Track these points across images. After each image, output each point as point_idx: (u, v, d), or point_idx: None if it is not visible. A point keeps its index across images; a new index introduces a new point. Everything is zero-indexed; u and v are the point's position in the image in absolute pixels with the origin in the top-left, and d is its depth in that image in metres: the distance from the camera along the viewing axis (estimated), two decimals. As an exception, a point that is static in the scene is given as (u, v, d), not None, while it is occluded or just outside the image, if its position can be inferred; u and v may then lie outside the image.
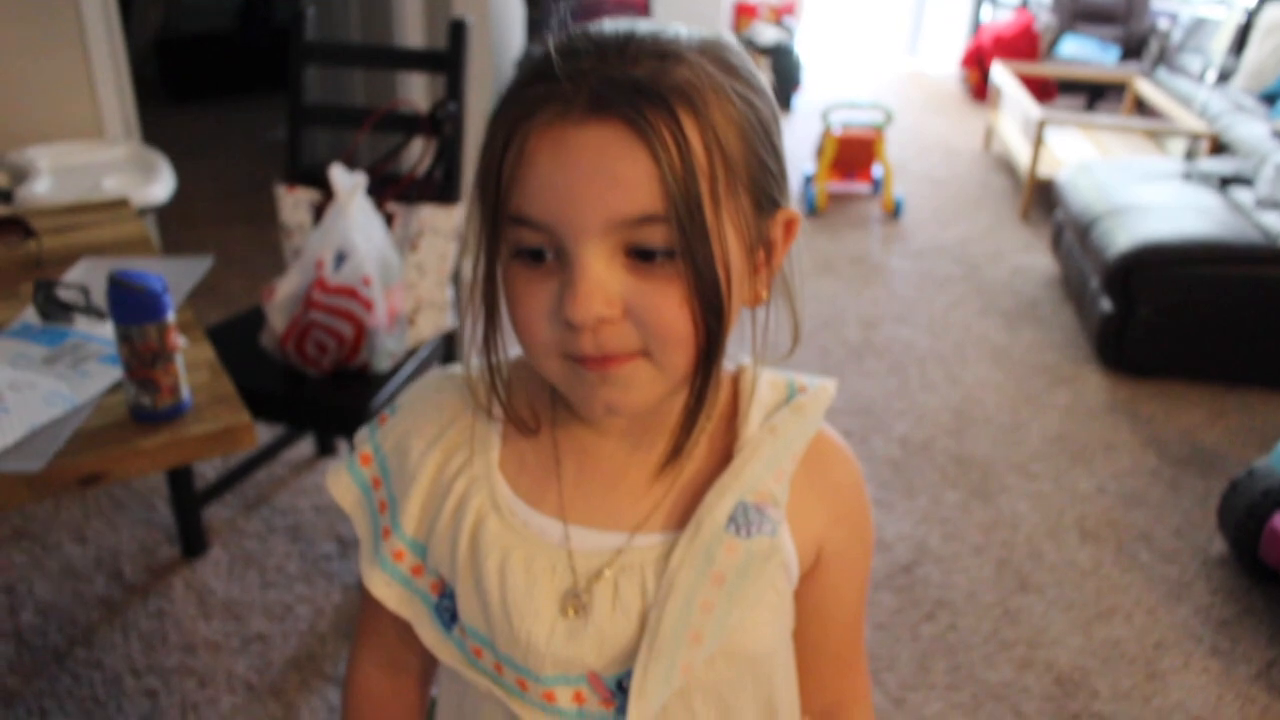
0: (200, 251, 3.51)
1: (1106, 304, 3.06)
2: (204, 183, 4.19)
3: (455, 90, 2.11)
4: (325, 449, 2.53)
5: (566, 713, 0.69)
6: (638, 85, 0.56)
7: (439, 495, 0.72)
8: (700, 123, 0.57)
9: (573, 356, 0.61)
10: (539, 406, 0.72)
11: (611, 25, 0.60)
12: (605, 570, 0.68)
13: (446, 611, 0.73)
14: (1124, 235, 3.02)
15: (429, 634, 0.74)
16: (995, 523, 2.41)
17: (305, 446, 2.53)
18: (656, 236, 0.58)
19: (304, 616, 2.02)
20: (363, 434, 0.77)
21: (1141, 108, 5.11)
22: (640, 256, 0.59)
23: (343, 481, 0.77)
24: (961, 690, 1.92)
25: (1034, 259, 3.93)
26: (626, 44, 0.58)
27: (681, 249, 0.58)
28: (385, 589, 0.74)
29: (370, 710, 0.84)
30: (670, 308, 0.59)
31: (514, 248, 0.61)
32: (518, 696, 0.70)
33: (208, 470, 2.41)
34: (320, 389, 1.90)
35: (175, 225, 3.53)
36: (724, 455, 0.71)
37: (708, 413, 0.68)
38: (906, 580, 2.20)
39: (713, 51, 0.60)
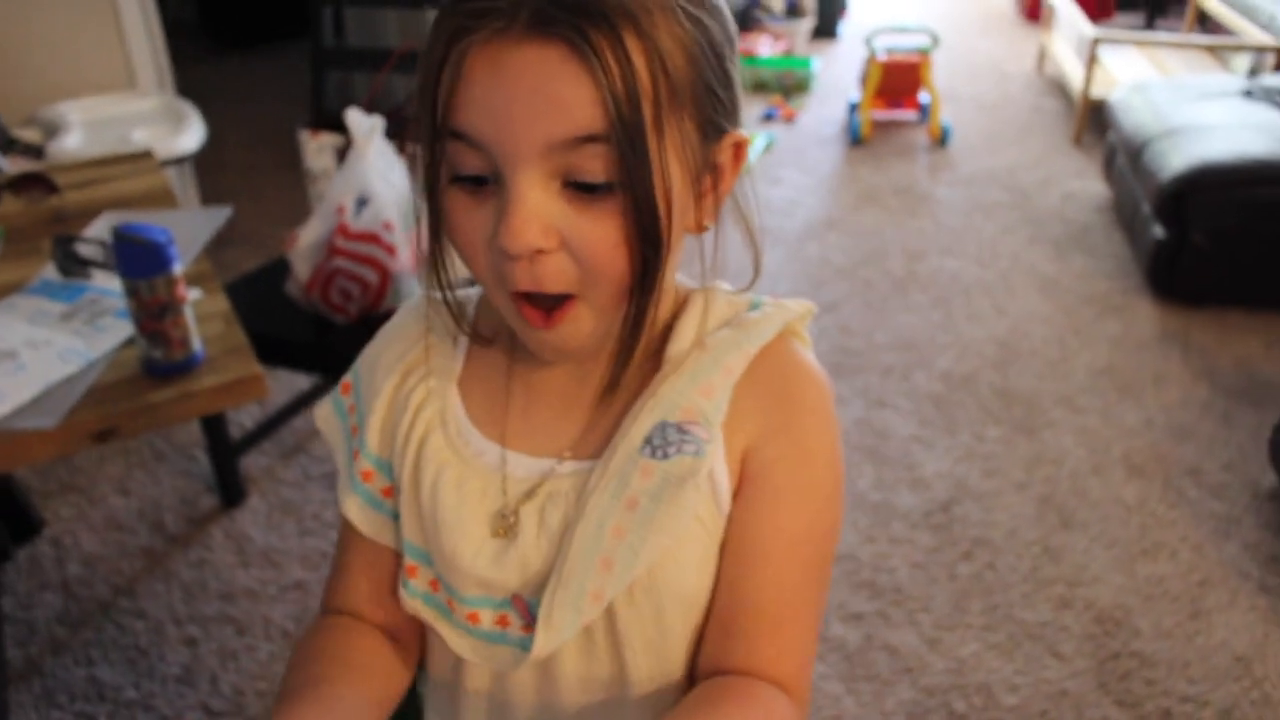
0: (233, 199, 3.53)
1: (1159, 230, 2.95)
2: (240, 129, 4.19)
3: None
4: (361, 395, 2.54)
5: (488, 634, 0.69)
6: (580, 3, 0.54)
7: (399, 408, 0.71)
8: (645, 44, 0.55)
9: (511, 292, 0.60)
10: (501, 328, 0.71)
11: None
12: (533, 496, 0.67)
13: None
14: (1178, 157, 2.90)
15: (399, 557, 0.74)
16: (1039, 458, 2.36)
17: (342, 393, 2.54)
18: (596, 164, 0.56)
19: (341, 562, 2.05)
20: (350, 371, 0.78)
21: (1205, 22, 4.89)
22: (580, 189, 0.57)
23: (324, 411, 0.78)
24: (998, 630, 1.90)
25: (1086, 185, 3.80)
26: None
27: (621, 177, 0.56)
28: (357, 512, 0.74)
29: (321, 641, 0.74)
30: (608, 242, 0.58)
31: (453, 171, 0.59)
32: (444, 617, 0.70)
33: (245, 419, 2.44)
34: (348, 336, 1.90)
35: (211, 173, 3.54)
36: (655, 374, 0.68)
37: (644, 342, 0.65)
38: (944, 519, 2.16)
39: None
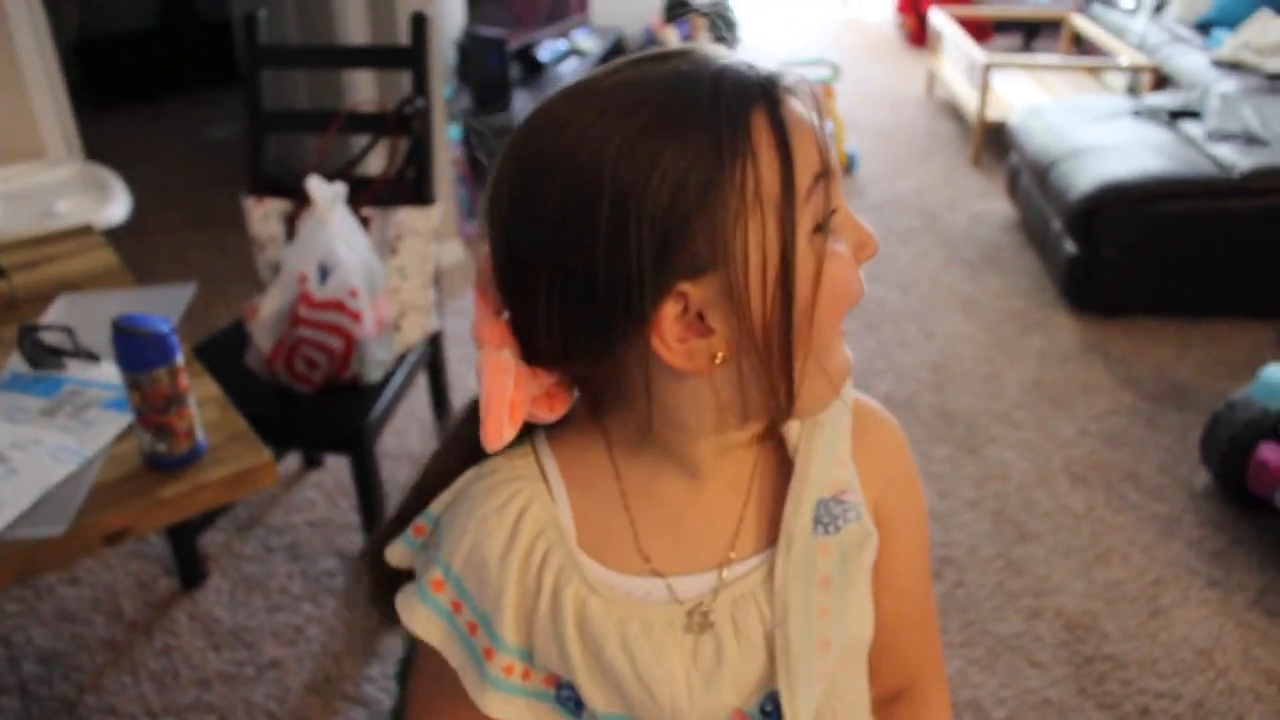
0: (158, 265, 3.43)
1: (1071, 246, 3.10)
2: (148, 192, 4.04)
3: (421, 85, 2.06)
4: (312, 462, 2.49)
5: None
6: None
7: (530, 596, 0.69)
8: None
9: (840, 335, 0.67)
10: (596, 467, 0.70)
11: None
12: (716, 603, 0.68)
13: (569, 700, 0.71)
14: (1083, 177, 3.05)
15: None
16: (986, 475, 2.45)
17: (291, 461, 2.49)
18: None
19: (315, 637, 2.00)
20: (422, 560, 0.72)
21: (1079, 44, 5.16)
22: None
23: (421, 614, 0.71)
24: (976, 645, 1.96)
25: (990, 204, 3.97)
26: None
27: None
28: (505, 707, 0.71)
29: None
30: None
31: (818, 216, 0.61)
32: None
33: (195, 493, 2.36)
34: (313, 406, 1.87)
35: (128, 241, 3.42)
36: (778, 461, 0.71)
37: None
38: (909, 541, 2.23)
39: None
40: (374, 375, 1.91)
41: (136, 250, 3.47)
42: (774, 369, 0.60)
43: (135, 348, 1.16)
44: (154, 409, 1.18)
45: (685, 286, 0.58)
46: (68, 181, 2.60)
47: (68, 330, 1.49)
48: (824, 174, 0.59)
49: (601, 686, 0.68)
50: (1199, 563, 2.16)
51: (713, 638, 0.68)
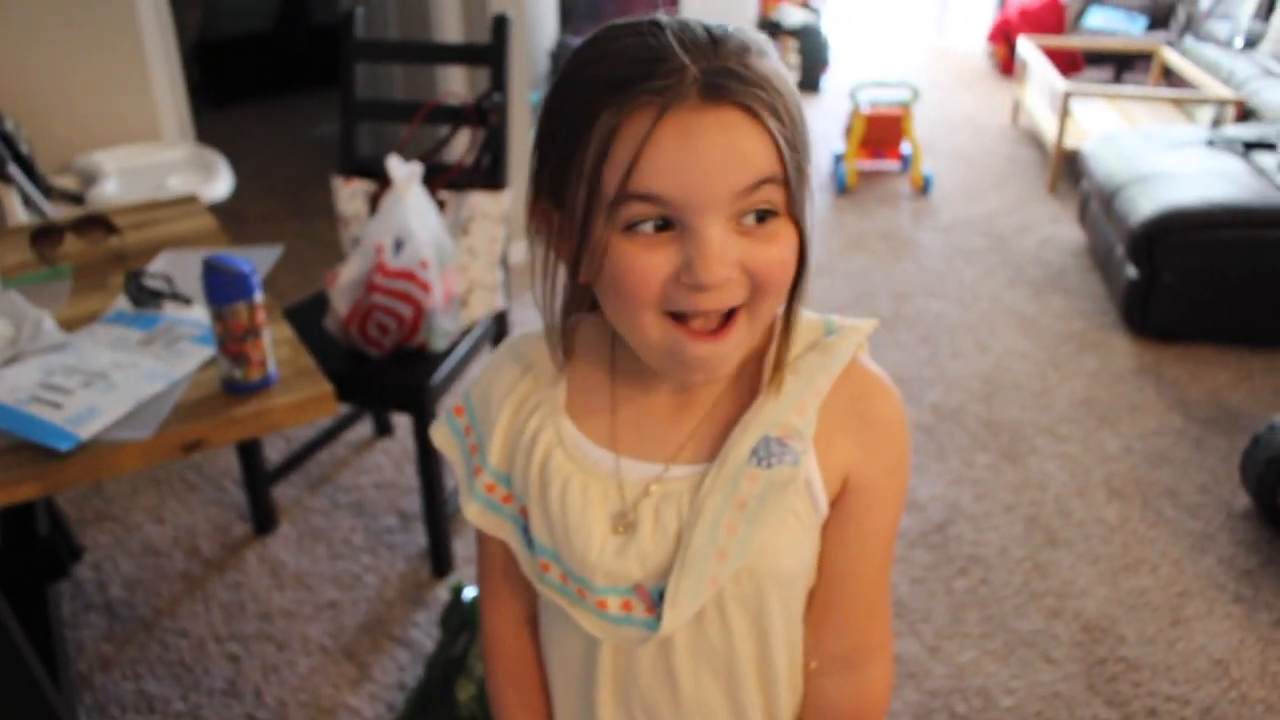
0: (253, 244, 3.66)
1: (1131, 270, 3.13)
2: (250, 181, 4.32)
3: (499, 82, 2.22)
4: (383, 430, 2.67)
5: (615, 618, 0.81)
6: (742, 75, 0.66)
7: (516, 431, 0.84)
8: (788, 102, 0.69)
9: (683, 315, 0.70)
10: (600, 356, 0.83)
11: (686, 22, 0.69)
12: (647, 495, 0.80)
13: (529, 532, 0.85)
14: (1147, 202, 3.09)
15: (519, 551, 0.86)
16: (1025, 483, 2.50)
17: (363, 428, 2.67)
18: (767, 198, 0.68)
19: (371, 585, 2.16)
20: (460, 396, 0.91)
21: (1169, 76, 5.14)
22: (754, 219, 0.69)
23: (441, 431, 0.90)
24: (994, 639, 2.03)
25: (1061, 230, 4.00)
26: (721, 40, 0.68)
27: (790, 207, 0.69)
28: (479, 516, 0.87)
29: (509, 664, 0.96)
30: (779, 260, 0.70)
31: (628, 221, 0.67)
32: (576, 603, 0.82)
33: (272, 453, 2.55)
34: (383, 368, 2.03)
35: (226, 222, 3.67)
36: (750, 391, 0.81)
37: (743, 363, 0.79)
38: (940, 538, 2.30)
39: (766, 45, 0.71)
40: (440, 344, 2.07)
41: (235, 232, 3.72)
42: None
43: (221, 283, 1.33)
44: (233, 338, 1.35)
45: (545, 202, 0.73)
46: (179, 161, 2.83)
47: (167, 278, 1.67)
48: (645, 197, 0.66)
49: (541, 520, 0.82)
50: (1227, 579, 2.19)
51: (632, 526, 0.80)
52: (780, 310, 0.77)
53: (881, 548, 0.83)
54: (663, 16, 0.71)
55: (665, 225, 0.67)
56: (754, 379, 0.81)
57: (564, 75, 0.72)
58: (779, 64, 0.70)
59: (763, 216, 0.69)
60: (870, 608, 0.84)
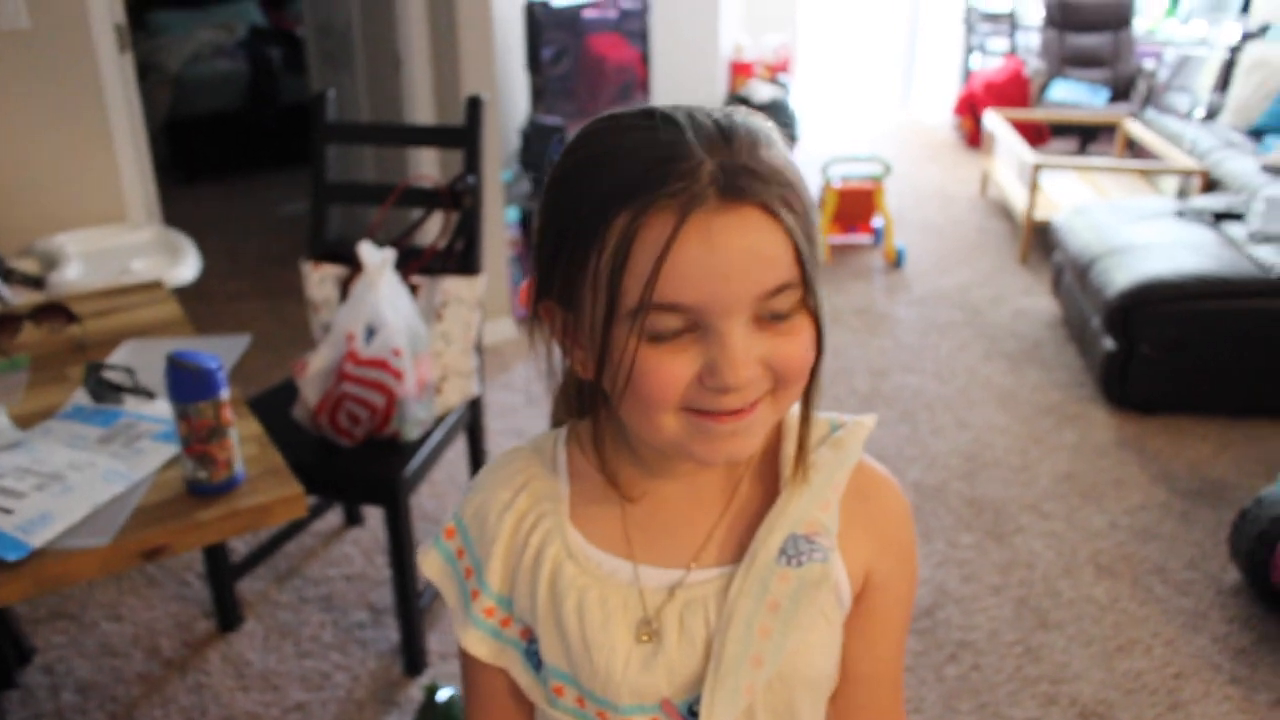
0: (220, 327, 3.60)
1: (1108, 342, 3.13)
2: (218, 260, 4.28)
3: (473, 164, 2.20)
4: (353, 519, 2.59)
5: None
6: (758, 172, 0.63)
7: (518, 550, 0.79)
8: (800, 193, 0.66)
9: (705, 412, 0.67)
10: (596, 462, 0.79)
11: (692, 113, 0.66)
12: (670, 601, 0.75)
13: (534, 655, 0.80)
14: (1122, 274, 3.10)
15: (522, 677, 0.81)
16: (1012, 563, 2.45)
17: (333, 518, 2.59)
18: (788, 300, 0.66)
19: (341, 684, 2.07)
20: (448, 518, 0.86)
21: (1133, 148, 5.22)
22: (771, 318, 0.66)
23: (431, 558, 0.84)
24: (989, 729, 1.96)
25: (1035, 301, 4.01)
26: (730, 132, 0.65)
27: (807, 303, 0.67)
28: (479, 644, 0.81)
29: None
30: (800, 354, 0.68)
31: (652, 331, 0.65)
32: None
33: (239, 545, 2.46)
34: (354, 459, 1.96)
35: (192, 302, 3.61)
36: (768, 489, 0.78)
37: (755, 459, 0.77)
38: (929, 623, 2.24)
39: (778, 138, 0.68)
40: (413, 433, 2.01)
41: (202, 313, 3.67)
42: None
43: (185, 380, 1.28)
44: (198, 438, 1.29)
45: (552, 303, 0.70)
46: (145, 243, 2.78)
47: (129, 370, 1.61)
48: (671, 308, 0.63)
49: (554, 641, 0.77)
50: (1223, 658, 2.14)
51: (658, 635, 0.75)
52: (794, 406, 0.75)
53: (901, 644, 0.82)
54: (664, 106, 0.68)
55: (687, 328, 0.65)
56: (768, 477, 0.79)
57: (569, 170, 0.69)
58: (786, 151, 0.68)
59: (779, 316, 0.67)
60: (896, 705, 0.83)
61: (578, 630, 0.75)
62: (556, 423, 0.79)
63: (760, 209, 0.63)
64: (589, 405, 0.79)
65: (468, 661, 0.84)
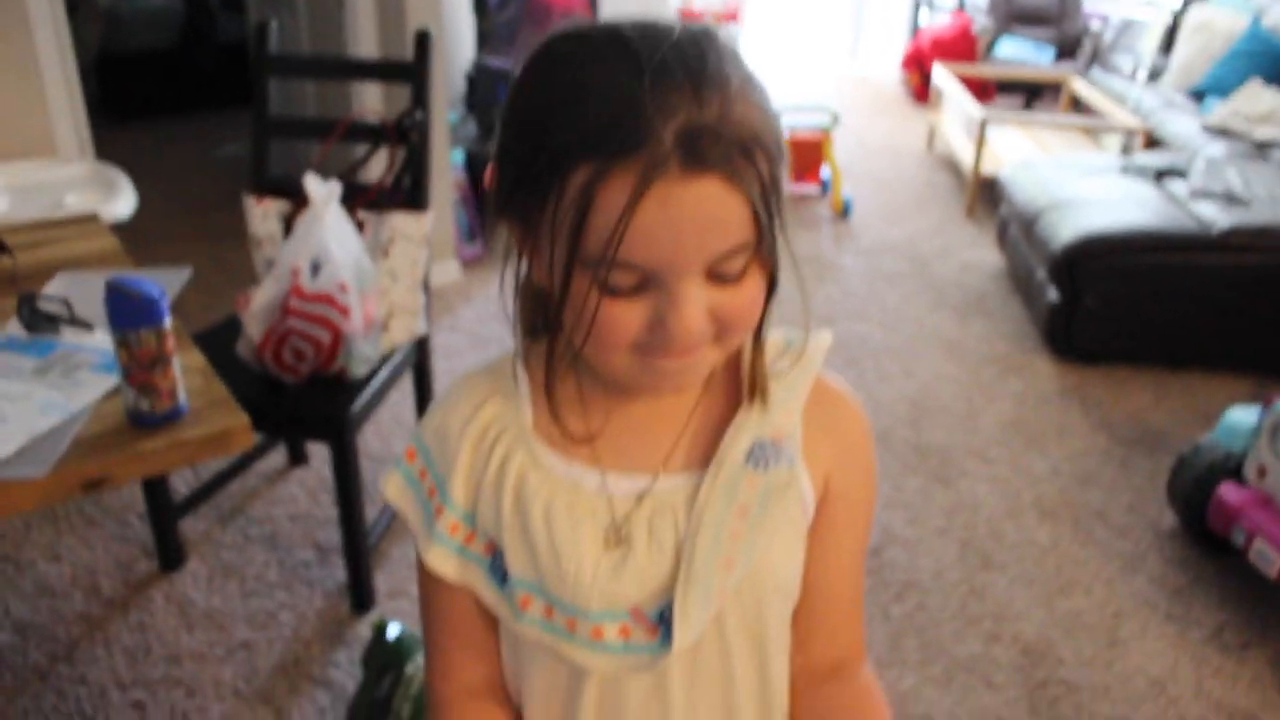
0: (158, 266, 3.50)
1: (1053, 294, 3.17)
2: (153, 201, 4.13)
3: (421, 99, 2.14)
4: (297, 458, 2.54)
5: (613, 647, 0.75)
6: (723, 134, 0.61)
7: (480, 463, 0.78)
8: (769, 154, 0.64)
9: (654, 351, 0.68)
10: (562, 375, 0.78)
11: (664, 57, 0.61)
12: (638, 508, 0.75)
13: (499, 570, 0.78)
14: (1067, 228, 3.13)
15: (487, 593, 0.79)
16: (956, 506, 2.49)
17: (277, 457, 2.54)
18: (740, 259, 0.65)
19: (287, 623, 2.04)
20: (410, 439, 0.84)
21: (1078, 106, 5.28)
22: (722, 274, 0.66)
23: (394, 481, 0.82)
24: (933, 665, 1.99)
25: (981, 254, 4.05)
26: (700, 80, 0.61)
27: (760, 259, 0.67)
28: (444, 562, 0.79)
29: None
30: (748, 306, 0.68)
31: (608, 283, 0.65)
32: (566, 639, 0.76)
33: (180, 485, 2.41)
34: (299, 396, 1.92)
35: (129, 243, 3.50)
36: (731, 398, 0.78)
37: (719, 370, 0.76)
38: (875, 563, 2.27)
39: (747, 72, 0.65)
40: (359, 370, 1.97)
41: (138, 253, 3.55)
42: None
43: (127, 307, 1.23)
44: (140, 367, 1.25)
45: (513, 218, 0.69)
46: (78, 178, 2.68)
47: (65, 301, 1.55)
48: (626, 266, 0.63)
49: (521, 551, 0.76)
50: (1159, 598, 2.20)
51: (627, 541, 0.75)
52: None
53: (861, 552, 0.83)
54: (628, 29, 0.64)
55: (641, 284, 0.66)
56: (729, 386, 0.79)
57: (528, 99, 0.66)
58: (759, 93, 0.65)
59: (732, 272, 0.67)
60: (856, 612, 0.85)
61: (545, 539, 0.75)
62: (527, 328, 0.78)
63: (721, 178, 0.61)
64: (554, 319, 0.77)
65: (431, 585, 0.82)
